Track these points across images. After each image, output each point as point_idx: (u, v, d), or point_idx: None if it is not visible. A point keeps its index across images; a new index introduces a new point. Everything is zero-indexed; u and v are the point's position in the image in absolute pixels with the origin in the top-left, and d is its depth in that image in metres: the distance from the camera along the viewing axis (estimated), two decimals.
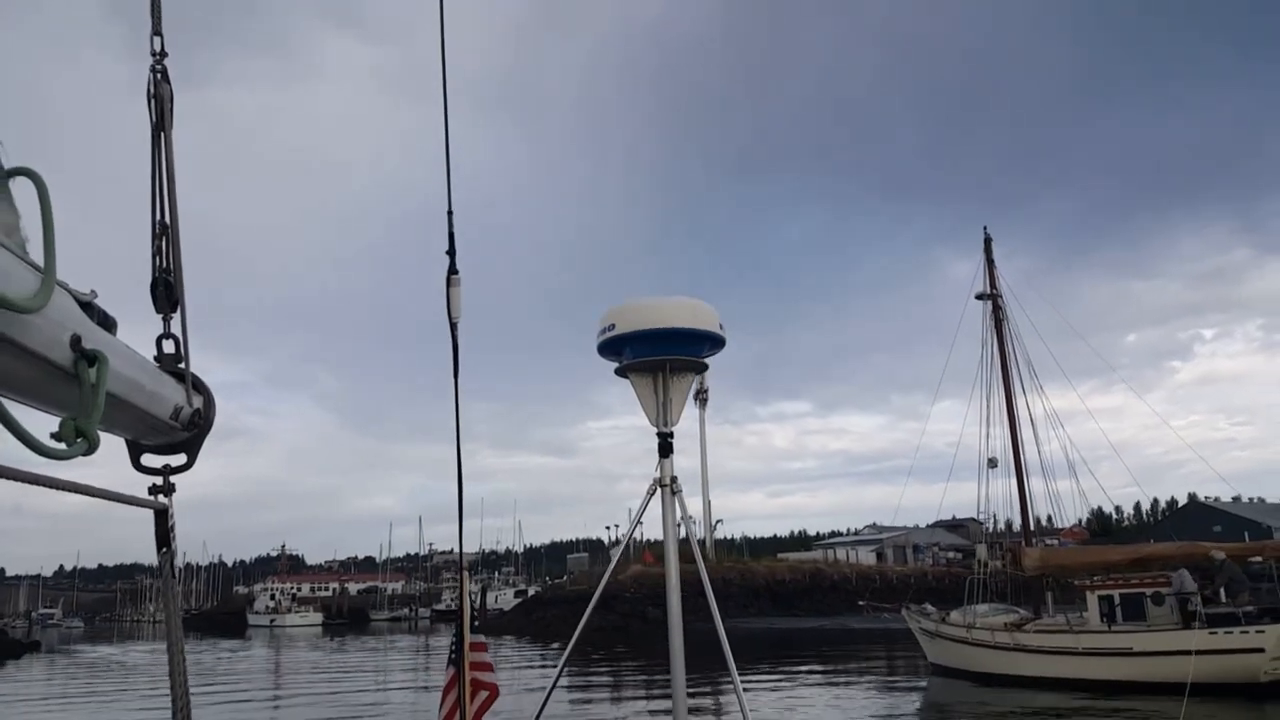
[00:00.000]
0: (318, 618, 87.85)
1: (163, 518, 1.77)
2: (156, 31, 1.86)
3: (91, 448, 1.26)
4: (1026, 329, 28.05)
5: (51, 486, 1.28)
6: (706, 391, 70.99)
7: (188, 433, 1.76)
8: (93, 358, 1.30)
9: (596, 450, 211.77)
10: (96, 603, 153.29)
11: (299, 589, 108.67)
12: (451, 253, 3.13)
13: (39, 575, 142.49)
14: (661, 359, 3.93)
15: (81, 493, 1.39)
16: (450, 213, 3.15)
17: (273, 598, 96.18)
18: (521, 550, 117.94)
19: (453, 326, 3.09)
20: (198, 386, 1.82)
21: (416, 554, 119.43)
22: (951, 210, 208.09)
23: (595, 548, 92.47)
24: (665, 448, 3.96)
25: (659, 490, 3.94)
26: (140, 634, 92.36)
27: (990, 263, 28.13)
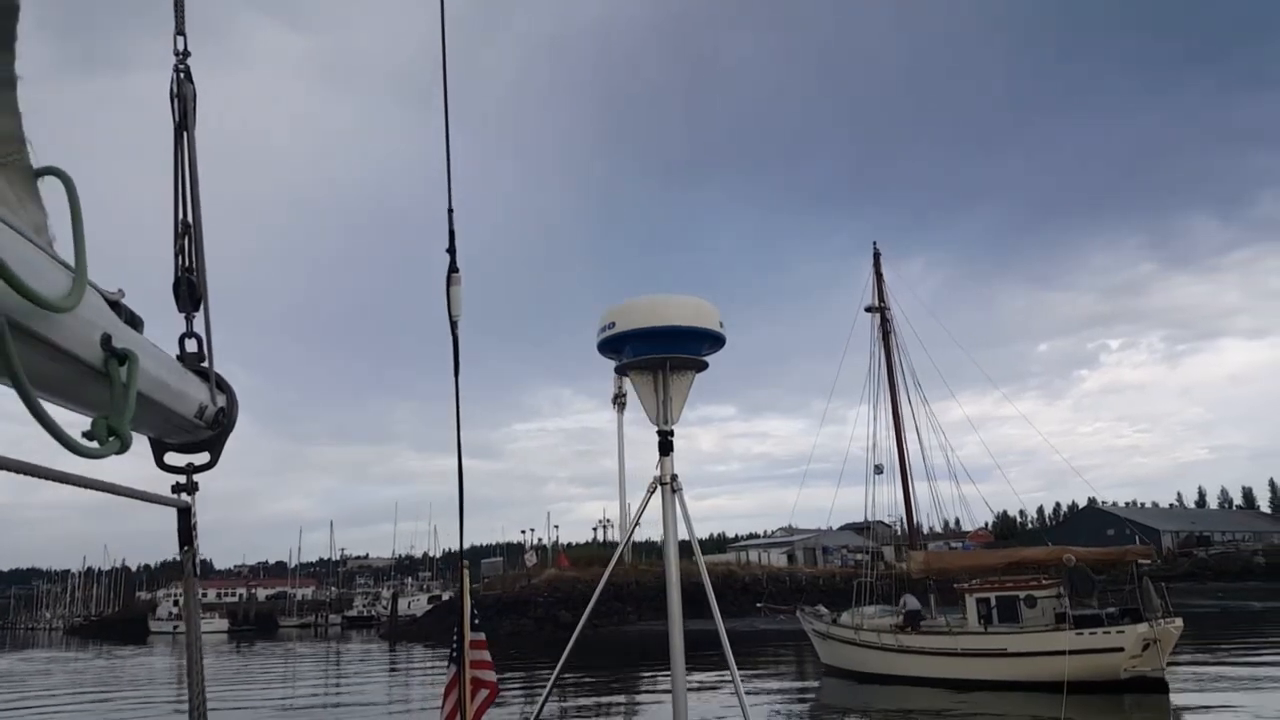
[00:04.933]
0: (223, 624, 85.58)
1: (185, 516, 1.79)
2: (180, 31, 1.85)
3: (124, 446, 1.26)
4: (912, 340, 29.27)
5: (79, 485, 1.30)
6: (625, 395, 71.46)
7: (211, 431, 1.79)
8: (123, 356, 1.31)
9: (522, 453, 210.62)
10: None
11: (204, 594, 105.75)
12: (452, 251, 3.16)
13: None
14: (661, 357, 3.96)
15: (107, 491, 1.42)
16: (450, 211, 3.14)
17: (176, 603, 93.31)
18: (439, 555, 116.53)
19: (453, 325, 3.10)
20: (221, 385, 1.83)
21: (328, 559, 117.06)
22: (878, 218, 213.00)
23: (514, 551, 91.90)
24: (665, 446, 3.96)
25: (659, 489, 3.93)
26: (35, 642, 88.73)
27: (879, 276, 29.27)
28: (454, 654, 5.92)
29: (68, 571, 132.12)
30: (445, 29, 2.99)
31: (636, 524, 4.46)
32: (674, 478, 3.95)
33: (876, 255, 29.82)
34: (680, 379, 4.05)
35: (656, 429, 3.99)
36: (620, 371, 4.11)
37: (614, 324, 3.94)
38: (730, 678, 3.88)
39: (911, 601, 25.40)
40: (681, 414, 4.05)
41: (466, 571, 4.39)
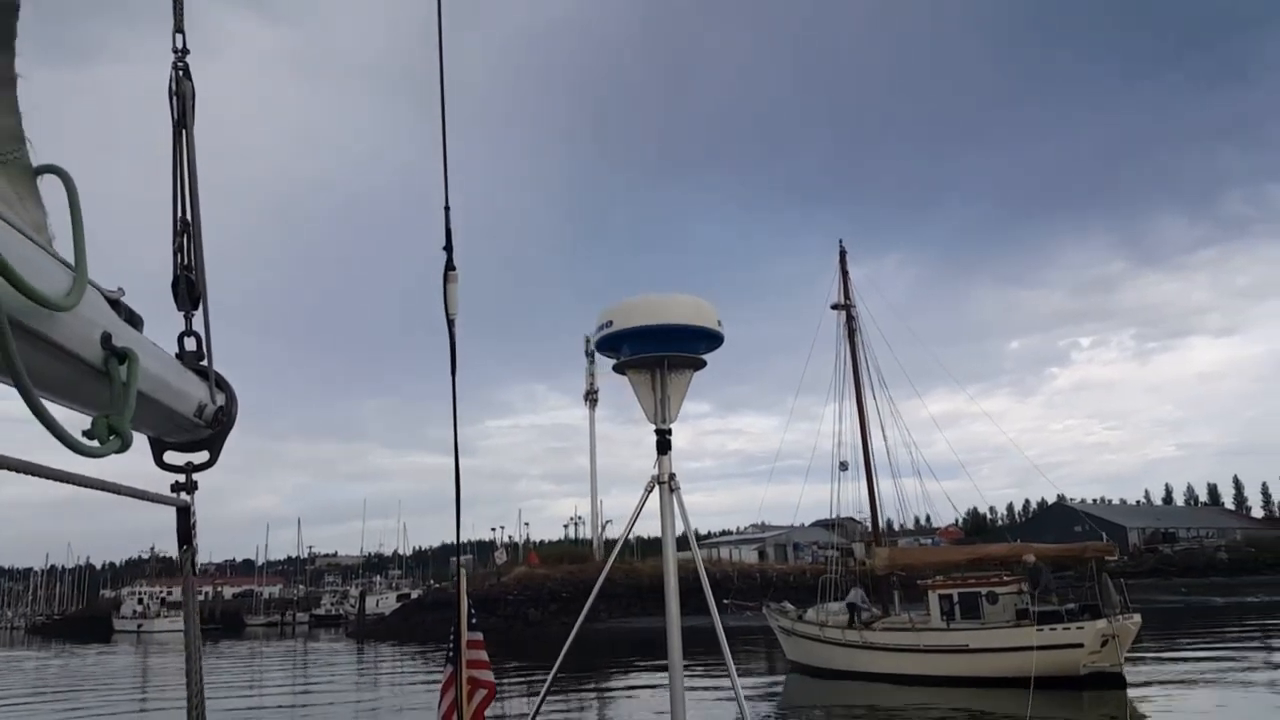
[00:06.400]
0: None
1: (185, 515, 1.78)
2: (178, 29, 1.85)
3: (125, 445, 1.26)
4: (880, 338, 29.44)
5: (78, 484, 1.30)
6: (596, 392, 71.42)
7: (210, 430, 1.78)
8: (123, 355, 1.31)
9: (495, 449, 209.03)
10: None
11: (169, 593, 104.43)
12: (449, 249, 3.12)
13: None
14: (659, 356, 3.96)
15: (107, 490, 1.41)
16: (447, 209, 3.12)
17: (140, 601, 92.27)
18: (410, 553, 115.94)
19: (450, 323, 3.09)
20: (220, 384, 1.83)
21: (296, 557, 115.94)
22: (857, 215, 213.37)
23: (484, 549, 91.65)
24: (663, 445, 3.96)
25: (657, 488, 3.93)
26: None
27: (845, 274, 29.44)
28: (450, 653, 5.85)
29: (30, 569, 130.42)
30: (442, 30, 3.00)
31: (634, 523, 4.32)
32: (672, 476, 3.93)
33: (842, 253, 30.02)
34: (678, 378, 4.05)
35: (654, 428, 3.98)
36: (618, 370, 4.10)
37: (611, 323, 3.93)
38: (728, 676, 3.90)
39: (851, 595, 25.69)
40: (679, 412, 4.04)
41: (463, 570, 4.32)
